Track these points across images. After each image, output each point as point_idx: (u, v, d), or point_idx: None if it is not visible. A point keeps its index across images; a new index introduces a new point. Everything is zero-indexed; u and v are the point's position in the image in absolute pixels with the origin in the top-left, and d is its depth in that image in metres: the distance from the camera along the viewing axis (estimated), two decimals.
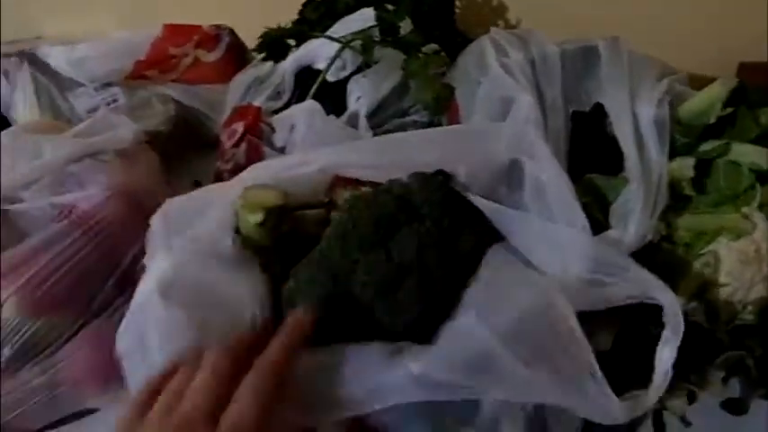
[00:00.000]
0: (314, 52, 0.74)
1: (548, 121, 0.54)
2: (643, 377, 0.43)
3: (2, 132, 0.65)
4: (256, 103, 0.74)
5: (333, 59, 0.71)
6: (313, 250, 0.45)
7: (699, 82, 0.56)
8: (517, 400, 0.41)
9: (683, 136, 0.53)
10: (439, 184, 0.48)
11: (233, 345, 0.39)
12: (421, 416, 0.42)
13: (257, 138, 0.68)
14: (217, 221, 0.47)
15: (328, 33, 0.73)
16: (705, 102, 0.53)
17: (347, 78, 0.72)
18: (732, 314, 0.50)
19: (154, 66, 0.83)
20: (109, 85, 0.82)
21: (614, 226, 0.50)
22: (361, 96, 0.70)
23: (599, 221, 0.50)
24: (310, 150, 0.52)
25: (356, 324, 0.43)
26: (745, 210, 0.50)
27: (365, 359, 0.40)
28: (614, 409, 0.40)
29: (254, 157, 0.66)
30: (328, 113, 0.67)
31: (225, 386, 0.36)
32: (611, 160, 0.53)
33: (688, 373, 0.50)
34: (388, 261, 0.43)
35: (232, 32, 0.87)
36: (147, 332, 0.42)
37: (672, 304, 0.43)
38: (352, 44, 0.70)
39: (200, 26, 0.85)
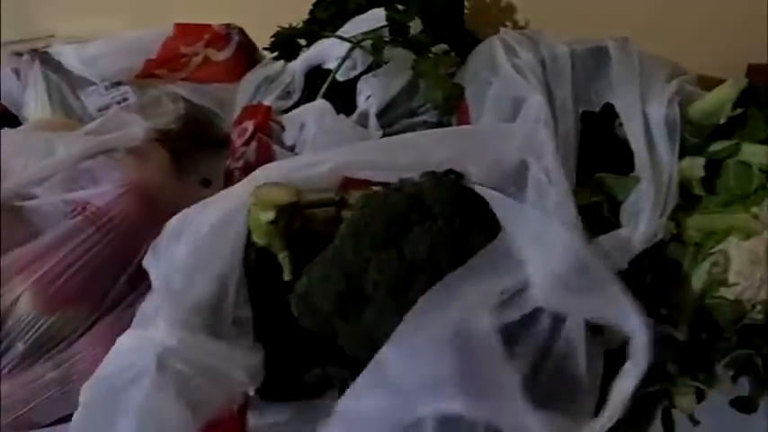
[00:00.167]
0: (324, 52, 0.74)
1: (558, 121, 0.53)
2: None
3: (14, 130, 0.66)
4: (266, 102, 0.74)
5: (343, 59, 0.71)
6: (326, 248, 0.45)
7: (707, 83, 0.56)
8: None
9: (694, 136, 0.54)
10: (450, 183, 0.48)
11: None
12: None
13: (267, 136, 0.68)
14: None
15: (339, 33, 0.73)
16: (715, 102, 0.54)
17: (357, 78, 0.72)
18: (741, 313, 0.50)
19: (164, 64, 0.83)
20: (119, 83, 0.82)
21: (624, 225, 0.50)
22: (370, 96, 0.70)
23: (609, 220, 0.51)
24: (321, 151, 0.52)
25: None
26: (754, 210, 0.51)
27: None
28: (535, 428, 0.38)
29: (264, 155, 0.66)
30: (338, 113, 0.67)
31: None
32: (622, 160, 0.53)
33: (696, 371, 0.50)
34: (400, 260, 0.44)
35: (242, 32, 0.87)
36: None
37: (641, 334, 0.40)
38: (362, 44, 0.71)
39: (210, 25, 0.85)
